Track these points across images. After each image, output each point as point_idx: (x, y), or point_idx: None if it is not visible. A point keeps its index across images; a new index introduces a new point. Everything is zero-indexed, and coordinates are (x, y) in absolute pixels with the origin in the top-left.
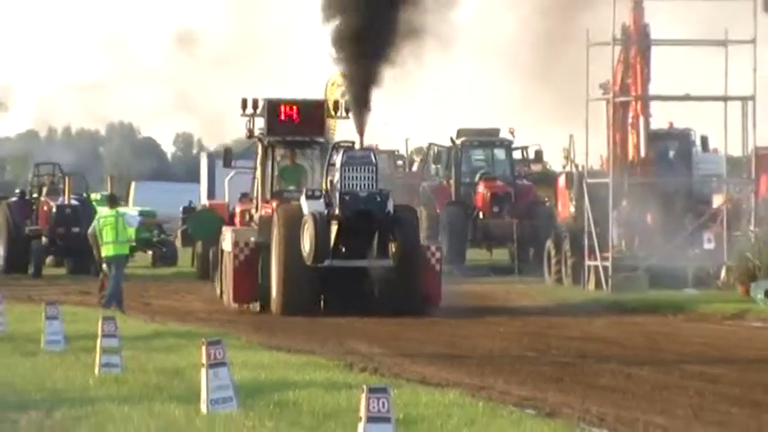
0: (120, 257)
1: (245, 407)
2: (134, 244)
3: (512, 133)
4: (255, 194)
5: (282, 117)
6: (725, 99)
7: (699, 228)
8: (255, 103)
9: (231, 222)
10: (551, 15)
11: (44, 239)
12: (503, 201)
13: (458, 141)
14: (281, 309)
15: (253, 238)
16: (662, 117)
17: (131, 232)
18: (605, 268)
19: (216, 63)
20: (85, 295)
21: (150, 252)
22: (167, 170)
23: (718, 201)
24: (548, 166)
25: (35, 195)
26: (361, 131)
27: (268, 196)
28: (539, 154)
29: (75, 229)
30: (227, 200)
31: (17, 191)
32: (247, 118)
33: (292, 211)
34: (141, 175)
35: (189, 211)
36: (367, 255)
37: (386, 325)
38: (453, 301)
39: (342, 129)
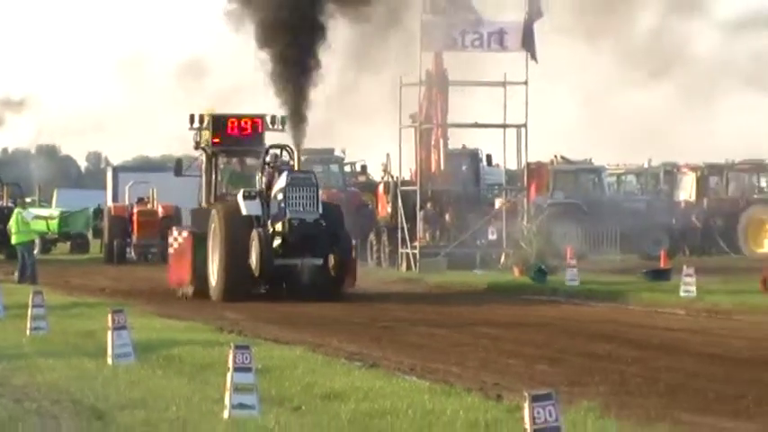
0: (23, 243)
1: (141, 360)
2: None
3: (343, 152)
4: (201, 198)
5: (226, 130)
6: (504, 126)
7: (484, 223)
8: (202, 118)
9: (130, 220)
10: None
11: None
12: None
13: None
14: (221, 296)
15: (188, 229)
16: (457, 140)
17: (33, 225)
18: (414, 254)
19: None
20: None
21: (68, 242)
22: (81, 180)
23: (499, 203)
24: (370, 177)
25: None
26: (298, 147)
27: (212, 199)
28: (364, 168)
29: None
30: (127, 203)
31: None
32: (194, 131)
33: (230, 206)
34: (62, 183)
35: (98, 212)
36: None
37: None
38: None
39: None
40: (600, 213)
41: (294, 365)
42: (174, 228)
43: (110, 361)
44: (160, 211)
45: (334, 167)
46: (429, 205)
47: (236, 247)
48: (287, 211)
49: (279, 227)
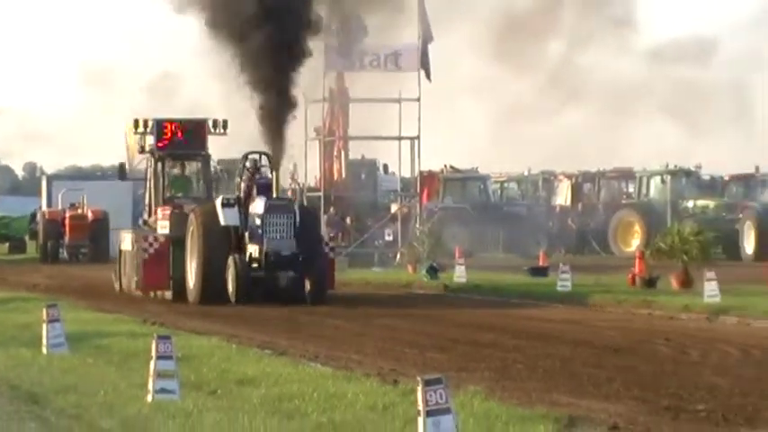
0: None
1: (73, 349)
2: None
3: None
4: (148, 201)
5: (169, 134)
6: (399, 138)
7: (382, 226)
8: (146, 122)
9: (63, 223)
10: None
11: None
12: None
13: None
14: (198, 300)
15: (164, 234)
16: (357, 151)
17: None
18: None
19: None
20: None
21: (7, 244)
22: (20, 188)
23: (394, 208)
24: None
25: None
26: (276, 167)
27: (161, 202)
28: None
29: None
30: (60, 208)
31: None
32: (139, 135)
33: (208, 211)
34: (1, 191)
35: (33, 216)
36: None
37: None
38: None
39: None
40: (485, 217)
41: (211, 354)
42: (131, 233)
43: (44, 351)
44: (90, 215)
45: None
46: (332, 210)
47: (213, 254)
48: (264, 239)
49: (255, 252)
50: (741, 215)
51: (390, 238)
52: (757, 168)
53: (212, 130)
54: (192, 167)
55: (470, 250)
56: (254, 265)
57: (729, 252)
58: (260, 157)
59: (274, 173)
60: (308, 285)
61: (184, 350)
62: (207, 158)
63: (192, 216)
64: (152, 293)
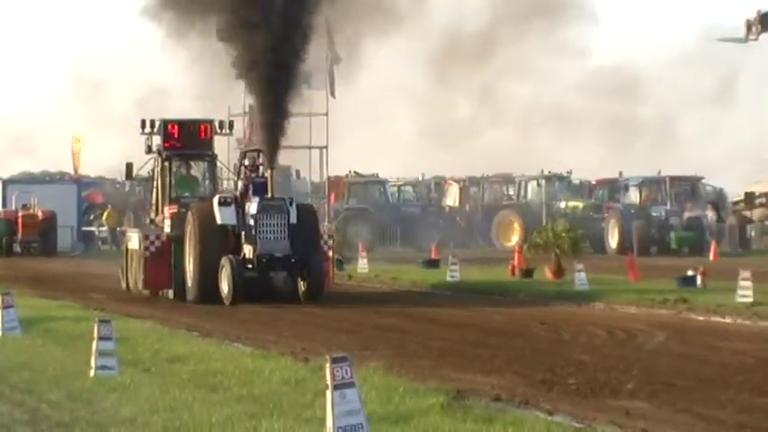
0: None
1: (25, 332)
2: None
3: None
4: (155, 201)
5: (176, 134)
6: (309, 147)
7: None
8: (153, 123)
9: (16, 221)
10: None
11: None
12: None
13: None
14: (197, 299)
15: (166, 232)
16: None
17: None
18: None
19: None
20: None
21: None
22: None
23: None
24: None
25: None
26: (271, 165)
27: (167, 202)
28: None
29: None
30: (14, 208)
31: None
32: (146, 136)
33: (205, 210)
34: None
35: None
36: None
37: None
38: None
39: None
40: (384, 216)
41: (146, 336)
42: (138, 232)
43: (0, 333)
44: (40, 214)
45: None
46: None
47: (209, 253)
48: (257, 241)
49: (249, 252)
50: (606, 215)
51: None
52: (620, 174)
53: (218, 131)
54: (199, 168)
55: (372, 245)
56: (249, 265)
57: (596, 246)
58: (257, 155)
59: (270, 171)
60: (302, 286)
61: (123, 332)
62: (213, 158)
63: (189, 214)
64: (158, 293)
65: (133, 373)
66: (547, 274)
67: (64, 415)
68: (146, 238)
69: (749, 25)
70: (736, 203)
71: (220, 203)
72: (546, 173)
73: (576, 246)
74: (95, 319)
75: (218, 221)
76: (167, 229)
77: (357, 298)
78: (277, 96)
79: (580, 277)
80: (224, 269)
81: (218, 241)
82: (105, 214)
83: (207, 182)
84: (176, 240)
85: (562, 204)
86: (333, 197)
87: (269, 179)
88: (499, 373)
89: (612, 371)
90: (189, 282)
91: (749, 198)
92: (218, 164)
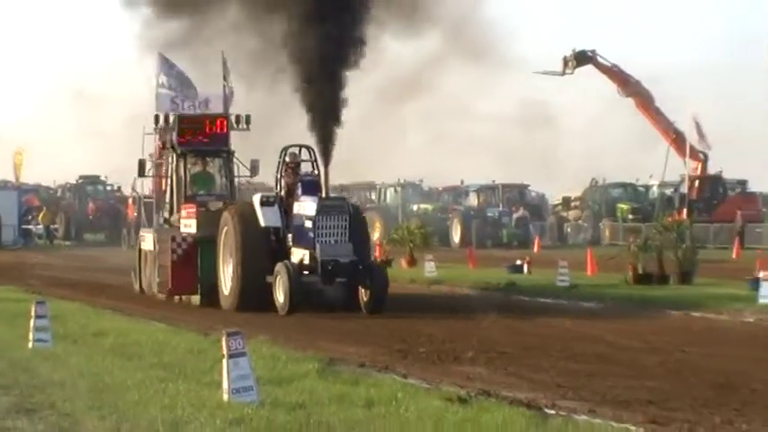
0: None
1: None
2: None
3: (106, 177)
4: (170, 199)
5: (191, 130)
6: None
7: None
8: (167, 118)
9: None
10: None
11: None
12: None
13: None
14: (235, 306)
15: (191, 233)
16: None
17: None
18: None
19: None
20: None
21: None
22: None
23: None
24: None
25: None
26: (326, 162)
27: (183, 200)
28: (119, 188)
29: None
30: None
31: None
32: (159, 132)
33: (245, 211)
34: None
35: None
36: None
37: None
38: None
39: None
40: None
41: (74, 314)
42: (153, 232)
43: None
44: None
45: (100, 187)
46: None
47: (252, 258)
48: (316, 244)
49: (307, 258)
50: (450, 215)
51: None
52: (462, 181)
53: (235, 126)
54: (215, 164)
55: None
56: (305, 272)
57: (443, 241)
58: (299, 151)
59: (323, 168)
60: (364, 295)
61: (56, 311)
62: (229, 155)
63: (226, 215)
64: (178, 298)
65: (64, 344)
66: (402, 263)
67: (7, 380)
68: (171, 239)
69: (566, 61)
70: (555, 206)
71: (263, 203)
72: (401, 181)
73: (426, 240)
74: (33, 300)
75: (262, 223)
76: (190, 230)
77: None
78: (333, 86)
79: (430, 266)
80: (279, 276)
81: (260, 245)
82: (41, 215)
83: (223, 179)
84: (202, 243)
85: (415, 207)
86: None
87: (322, 177)
88: (363, 345)
89: (455, 341)
90: (225, 289)
91: (566, 202)
92: (235, 160)
